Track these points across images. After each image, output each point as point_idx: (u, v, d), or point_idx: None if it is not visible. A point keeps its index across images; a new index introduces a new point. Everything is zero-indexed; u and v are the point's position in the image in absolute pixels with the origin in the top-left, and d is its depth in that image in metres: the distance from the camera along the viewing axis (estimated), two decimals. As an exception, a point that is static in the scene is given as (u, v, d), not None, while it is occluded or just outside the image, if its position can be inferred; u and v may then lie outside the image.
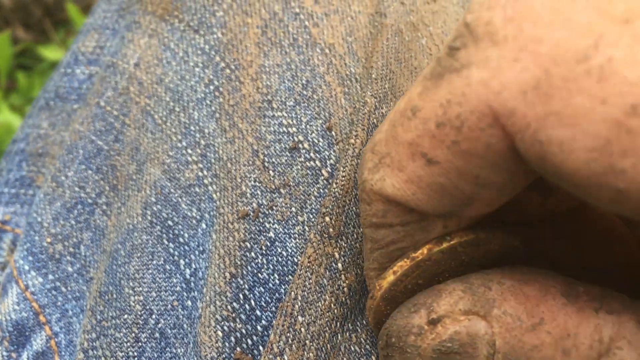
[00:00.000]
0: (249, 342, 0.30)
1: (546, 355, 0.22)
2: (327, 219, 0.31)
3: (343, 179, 0.31)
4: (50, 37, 1.19)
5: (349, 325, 0.29)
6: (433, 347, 0.24)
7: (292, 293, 0.29)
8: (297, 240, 0.31)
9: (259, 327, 0.30)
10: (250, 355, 0.30)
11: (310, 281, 0.30)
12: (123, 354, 0.32)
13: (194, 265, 0.33)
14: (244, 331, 0.30)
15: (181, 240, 0.34)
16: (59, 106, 0.43)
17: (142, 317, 0.33)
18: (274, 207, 0.32)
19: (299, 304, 0.29)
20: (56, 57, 1.11)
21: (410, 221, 0.24)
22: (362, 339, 0.29)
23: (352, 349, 0.29)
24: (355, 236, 0.30)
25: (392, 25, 0.37)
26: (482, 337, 0.23)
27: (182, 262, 0.33)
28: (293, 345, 0.28)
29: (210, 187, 0.34)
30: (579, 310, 0.22)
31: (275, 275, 0.31)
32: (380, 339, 0.26)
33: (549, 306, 0.22)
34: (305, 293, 0.29)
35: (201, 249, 0.33)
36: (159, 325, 0.32)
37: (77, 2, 1.16)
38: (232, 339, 0.30)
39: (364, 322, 0.29)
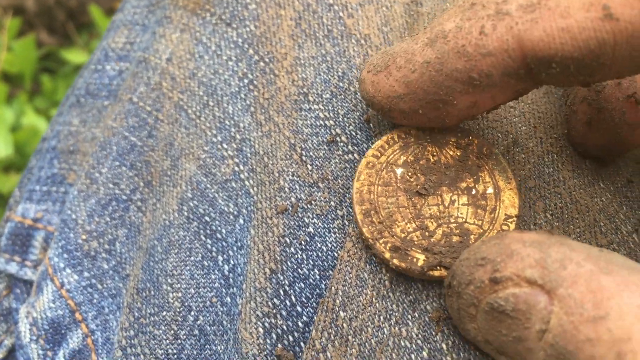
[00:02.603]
0: (290, 338, 0.29)
1: (598, 353, 0.21)
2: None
3: None
4: (74, 41, 1.19)
5: (397, 319, 0.28)
6: (488, 302, 0.24)
7: (333, 288, 0.29)
8: (337, 234, 0.31)
9: (300, 324, 0.29)
10: (292, 352, 0.29)
11: (351, 275, 0.29)
12: (162, 351, 0.32)
13: (232, 261, 0.32)
14: (285, 327, 0.29)
15: (219, 236, 0.33)
16: (89, 103, 0.43)
17: (181, 314, 0.32)
18: (313, 202, 0.32)
19: (340, 299, 0.28)
20: (80, 60, 1.12)
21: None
22: (413, 334, 0.28)
23: (402, 344, 0.28)
24: None
25: (429, 13, 0.36)
26: (539, 310, 0.22)
27: (220, 258, 0.33)
28: (335, 342, 0.28)
29: (247, 182, 0.34)
30: None
31: (316, 270, 0.30)
32: (446, 277, 0.26)
33: (621, 303, 0.21)
34: (346, 288, 0.29)
35: (239, 244, 0.32)
36: (198, 322, 0.32)
37: (100, 5, 1.17)
38: (274, 335, 0.29)
39: (416, 314, 0.28)
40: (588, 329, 0.21)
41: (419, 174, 0.30)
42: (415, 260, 0.28)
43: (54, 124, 0.45)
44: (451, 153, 0.30)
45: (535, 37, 0.24)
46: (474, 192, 0.29)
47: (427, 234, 0.28)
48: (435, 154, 0.30)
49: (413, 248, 0.28)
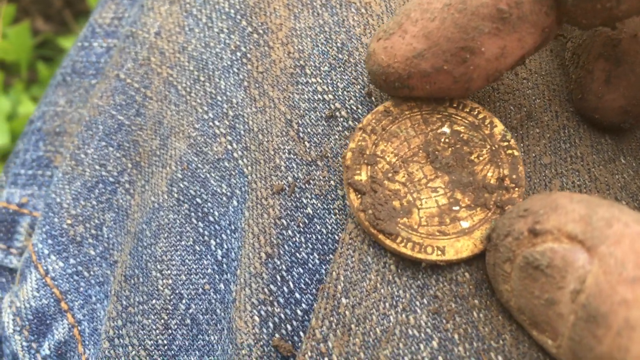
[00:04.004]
0: (289, 327, 0.27)
1: (632, 316, 0.19)
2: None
3: None
4: (71, 28, 1.17)
5: (404, 305, 0.26)
6: (524, 255, 0.22)
7: (334, 273, 0.27)
8: (338, 215, 0.29)
9: (299, 311, 0.27)
10: (290, 342, 0.27)
11: (353, 259, 0.27)
12: (152, 342, 0.30)
13: (225, 246, 0.30)
14: (282, 316, 0.27)
15: (211, 218, 0.31)
16: (76, 82, 0.41)
17: (172, 302, 0.30)
18: (311, 181, 0.29)
19: (342, 284, 0.26)
20: (76, 47, 1.10)
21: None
22: (422, 322, 0.26)
23: (410, 332, 0.26)
24: None
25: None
26: (576, 268, 0.21)
27: (213, 242, 0.31)
28: (337, 331, 0.26)
29: (240, 161, 0.31)
30: None
31: (315, 254, 0.28)
32: (488, 229, 0.25)
33: None
34: (348, 272, 0.26)
35: (233, 227, 0.30)
36: (190, 311, 0.30)
37: (95, -10, 1.14)
38: (270, 324, 0.27)
39: (425, 301, 0.26)
40: (626, 290, 0.19)
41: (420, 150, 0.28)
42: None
43: (40, 105, 0.43)
44: (459, 128, 0.28)
45: None
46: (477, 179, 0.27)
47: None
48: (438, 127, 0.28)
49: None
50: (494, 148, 0.28)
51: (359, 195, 0.27)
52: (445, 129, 0.28)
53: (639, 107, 0.29)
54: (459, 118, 0.28)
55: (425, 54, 0.25)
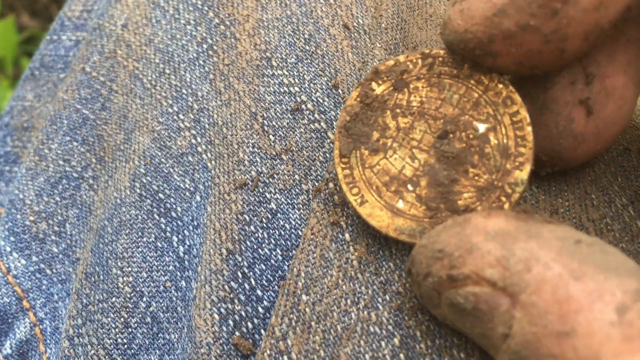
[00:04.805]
0: (250, 325, 0.26)
1: None
2: (332, 185, 0.27)
3: None
4: (57, 23, 1.16)
5: (366, 302, 0.25)
6: (447, 296, 0.21)
7: (295, 269, 0.26)
8: (302, 211, 0.28)
9: (260, 309, 0.27)
10: (250, 340, 0.26)
11: (314, 255, 0.26)
12: (111, 341, 0.29)
13: (188, 242, 0.30)
14: (243, 313, 0.26)
15: (173, 214, 0.30)
16: (44, 76, 0.40)
17: (132, 300, 0.29)
18: (275, 175, 0.29)
19: (303, 281, 0.26)
20: (63, 43, 1.09)
21: None
22: (383, 318, 0.25)
23: (371, 330, 0.25)
24: None
25: (404, -31, 0.33)
26: (501, 313, 0.19)
27: (175, 238, 0.30)
28: (297, 328, 0.25)
29: (204, 155, 0.31)
30: (626, 339, 0.17)
31: (278, 250, 0.27)
32: (407, 262, 0.23)
33: (590, 319, 0.18)
34: (309, 269, 0.26)
35: (195, 223, 0.30)
36: (151, 309, 0.29)
37: (81, -15, 1.13)
38: (230, 322, 0.26)
39: (387, 297, 0.25)
40: (552, 344, 0.18)
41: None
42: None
43: (10, 100, 0.42)
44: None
45: None
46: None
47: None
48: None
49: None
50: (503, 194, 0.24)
51: (358, 99, 0.26)
52: (479, 126, 0.25)
53: (555, 160, 0.26)
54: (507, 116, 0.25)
55: (508, 9, 0.21)
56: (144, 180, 0.31)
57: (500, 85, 0.24)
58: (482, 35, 0.22)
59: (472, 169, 0.24)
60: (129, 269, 0.30)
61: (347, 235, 0.26)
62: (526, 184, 0.24)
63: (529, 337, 0.18)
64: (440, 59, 0.25)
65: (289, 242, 0.28)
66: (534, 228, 0.20)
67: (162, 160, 0.31)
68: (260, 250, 0.27)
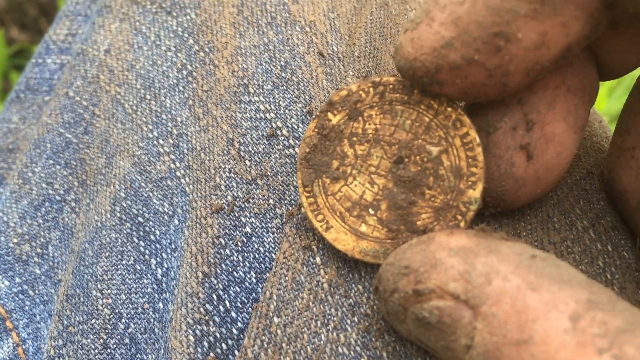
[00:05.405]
0: (224, 346, 0.27)
1: None
2: (304, 210, 0.28)
3: None
4: (47, 36, 1.17)
5: (335, 323, 0.26)
6: (412, 311, 0.22)
7: (267, 292, 0.27)
8: (276, 234, 0.29)
9: (234, 330, 0.28)
10: None
11: (286, 278, 0.27)
12: None
13: (166, 265, 0.31)
14: (218, 335, 0.27)
15: (152, 237, 0.31)
16: (29, 98, 0.41)
17: (111, 322, 0.30)
18: (251, 200, 0.30)
19: (275, 303, 0.27)
20: (52, 56, 1.10)
21: None
22: (352, 340, 0.26)
23: (340, 350, 0.26)
24: None
25: (377, -1, 0.34)
26: (464, 325, 0.20)
27: (153, 261, 0.31)
28: (269, 350, 0.26)
29: (183, 180, 0.32)
30: (579, 345, 0.18)
31: (252, 273, 0.28)
32: (374, 280, 0.24)
33: (546, 327, 0.19)
34: (281, 292, 0.27)
35: (173, 246, 0.31)
36: (129, 330, 0.30)
37: None
38: (205, 343, 0.27)
39: (356, 319, 0.26)
40: (511, 353, 0.19)
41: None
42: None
43: (-4, 121, 0.43)
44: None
45: None
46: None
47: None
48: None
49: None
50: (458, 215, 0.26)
51: (315, 130, 0.27)
52: (432, 149, 0.26)
53: (497, 201, 0.27)
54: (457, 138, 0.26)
55: (454, 42, 0.22)
56: (124, 204, 0.32)
57: (450, 109, 0.25)
58: (430, 65, 0.23)
59: (428, 190, 0.26)
60: (109, 291, 0.31)
61: (318, 259, 0.27)
62: (480, 202, 0.25)
63: (490, 346, 0.20)
64: (390, 86, 0.26)
65: (263, 265, 0.28)
66: (493, 244, 0.22)
67: (142, 184, 0.32)
68: (235, 273, 0.28)
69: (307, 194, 0.27)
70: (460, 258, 0.21)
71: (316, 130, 0.27)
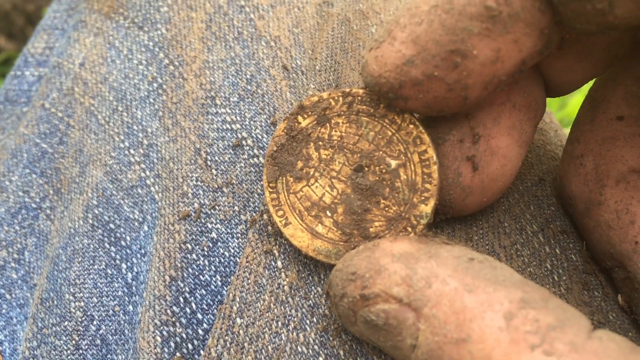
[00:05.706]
0: (190, 346, 0.29)
1: None
2: (266, 216, 0.30)
3: None
4: (33, 45, 1.18)
5: (295, 324, 0.28)
6: (361, 314, 0.23)
7: (231, 294, 0.28)
8: (240, 239, 0.30)
9: (200, 331, 0.29)
10: None
11: (249, 281, 0.28)
12: None
13: (135, 269, 0.32)
14: (184, 335, 0.29)
15: (123, 243, 0.33)
16: (8, 110, 0.43)
17: (83, 324, 0.32)
18: (217, 207, 0.31)
19: (237, 305, 0.28)
20: (38, 64, 1.10)
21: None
22: (310, 339, 0.27)
23: (299, 349, 0.28)
24: None
25: (339, 14, 0.35)
26: (408, 326, 0.22)
27: (123, 265, 0.32)
28: (231, 349, 0.27)
29: (152, 188, 0.33)
30: (513, 342, 0.20)
31: (218, 276, 0.30)
32: (325, 285, 0.25)
33: (482, 325, 0.20)
34: (244, 294, 0.28)
35: (143, 251, 0.32)
36: (100, 332, 0.31)
37: (57, 8, 1.15)
38: (172, 344, 0.29)
39: (315, 319, 0.28)
40: (452, 351, 0.21)
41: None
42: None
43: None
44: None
45: None
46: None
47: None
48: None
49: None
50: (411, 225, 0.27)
51: (284, 131, 0.28)
52: (391, 162, 0.27)
53: (446, 209, 0.28)
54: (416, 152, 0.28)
55: (415, 59, 0.24)
56: (96, 212, 0.34)
57: (412, 126, 0.27)
58: (394, 81, 0.24)
59: (384, 200, 0.27)
60: (81, 294, 0.32)
61: (279, 263, 0.29)
62: (430, 217, 0.27)
63: (433, 345, 0.21)
64: (359, 97, 0.28)
65: (228, 269, 0.30)
66: (433, 249, 0.23)
67: (114, 192, 0.34)
68: (201, 276, 0.30)
69: (271, 190, 0.28)
70: (402, 263, 0.23)
71: (285, 130, 0.28)
